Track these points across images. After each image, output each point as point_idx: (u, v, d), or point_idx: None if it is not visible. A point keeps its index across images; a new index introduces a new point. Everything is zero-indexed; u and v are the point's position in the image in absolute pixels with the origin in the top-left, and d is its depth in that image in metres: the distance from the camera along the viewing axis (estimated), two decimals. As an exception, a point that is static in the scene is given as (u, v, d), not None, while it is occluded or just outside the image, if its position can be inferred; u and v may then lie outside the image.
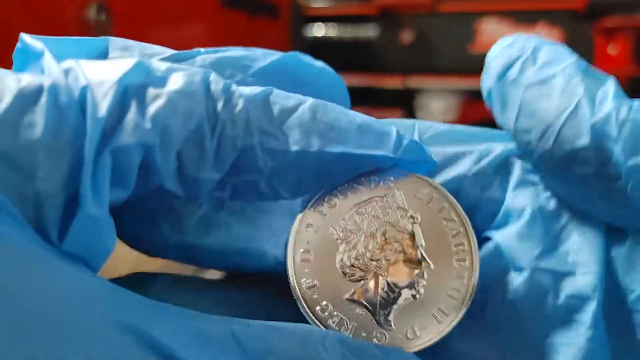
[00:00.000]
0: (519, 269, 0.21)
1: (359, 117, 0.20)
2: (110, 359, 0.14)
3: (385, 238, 0.20)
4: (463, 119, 1.69)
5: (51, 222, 0.15)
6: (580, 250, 0.21)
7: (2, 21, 0.70)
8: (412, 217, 0.21)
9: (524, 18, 1.61)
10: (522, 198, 0.22)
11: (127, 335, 0.14)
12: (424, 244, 0.20)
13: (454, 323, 0.20)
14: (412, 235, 0.20)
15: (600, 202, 0.20)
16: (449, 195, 0.21)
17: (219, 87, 0.18)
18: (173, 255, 0.21)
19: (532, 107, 0.21)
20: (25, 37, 0.18)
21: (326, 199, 0.20)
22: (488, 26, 1.64)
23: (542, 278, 0.21)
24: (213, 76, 0.18)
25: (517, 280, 0.21)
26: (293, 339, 0.17)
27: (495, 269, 0.22)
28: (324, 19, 1.78)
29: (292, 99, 0.19)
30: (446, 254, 0.20)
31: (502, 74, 0.23)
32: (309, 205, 0.20)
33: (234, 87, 0.18)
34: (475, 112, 1.70)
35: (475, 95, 1.71)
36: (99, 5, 0.87)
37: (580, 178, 0.20)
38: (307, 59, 0.22)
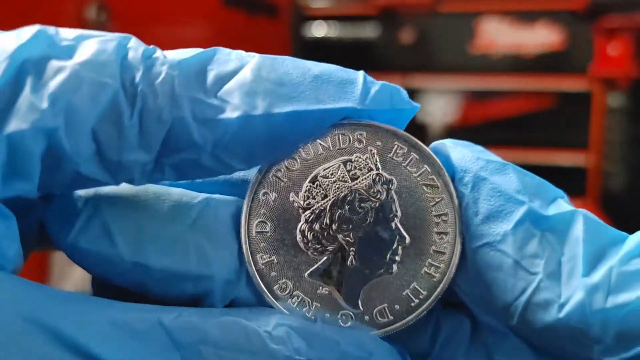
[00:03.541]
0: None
1: (318, 67, 0.17)
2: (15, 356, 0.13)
3: (354, 206, 0.18)
4: (464, 119, 1.69)
5: None
6: None
7: (1, 20, 0.70)
8: (386, 181, 0.18)
9: (524, 18, 1.61)
10: None
11: (35, 331, 0.13)
12: (399, 213, 0.18)
13: (431, 305, 0.17)
14: (386, 203, 0.18)
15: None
16: (432, 156, 0.18)
17: (138, 55, 0.16)
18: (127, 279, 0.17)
19: (485, 278, 0.17)
20: None
21: (285, 161, 0.18)
22: (488, 26, 1.64)
23: None
24: (133, 42, 0.16)
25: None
26: (233, 327, 0.15)
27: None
28: (324, 18, 1.78)
29: (233, 61, 0.17)
30: (425, 226, 0.18)
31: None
32: (265, 168, 0.18)
33: (158, 52, 0.16)
34: (476, 111, 1.70)
35: (476, 95, 1.71)
36: (99, 5, 0.87)
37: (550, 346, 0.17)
38: None
